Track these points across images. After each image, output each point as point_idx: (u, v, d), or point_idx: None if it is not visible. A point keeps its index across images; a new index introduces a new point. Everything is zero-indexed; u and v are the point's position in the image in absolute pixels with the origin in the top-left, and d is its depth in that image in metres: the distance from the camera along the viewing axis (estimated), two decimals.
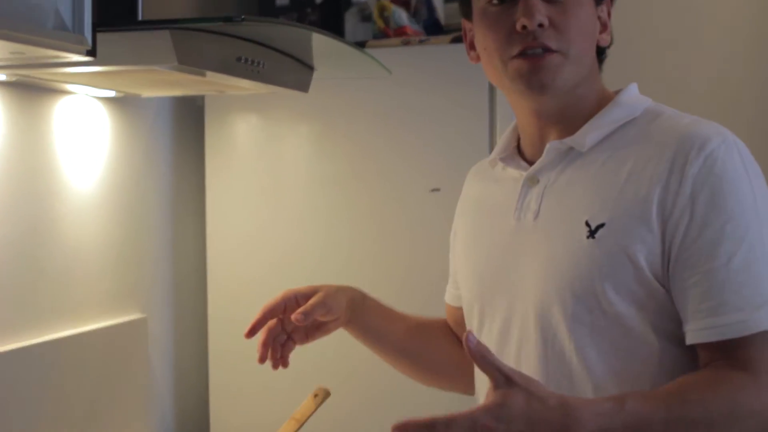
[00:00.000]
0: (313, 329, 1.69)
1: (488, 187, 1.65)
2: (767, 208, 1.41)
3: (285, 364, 1.67)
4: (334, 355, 2.21)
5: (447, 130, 2.28)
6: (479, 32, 1.53)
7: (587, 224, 1.43)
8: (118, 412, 2.21)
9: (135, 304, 2.33)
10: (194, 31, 1.68)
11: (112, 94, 2.13)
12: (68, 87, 2.02)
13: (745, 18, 2.71)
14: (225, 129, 2.47)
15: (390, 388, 2.16)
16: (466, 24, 1.60)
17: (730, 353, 1.36)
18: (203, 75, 1.78)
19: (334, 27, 2.42)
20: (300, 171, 2.43)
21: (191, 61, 1.67)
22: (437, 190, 2.27)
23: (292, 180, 2.43)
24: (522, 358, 1.50)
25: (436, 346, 1.79)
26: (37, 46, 1.34)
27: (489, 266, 1.58)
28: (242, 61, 1.81)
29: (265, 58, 1.88)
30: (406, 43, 2.33)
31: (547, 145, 1.52)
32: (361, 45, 2.27)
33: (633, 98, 1.53)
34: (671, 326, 1.41)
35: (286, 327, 1.66)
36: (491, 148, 2.19)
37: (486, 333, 1.57)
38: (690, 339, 1.38)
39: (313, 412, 1.79)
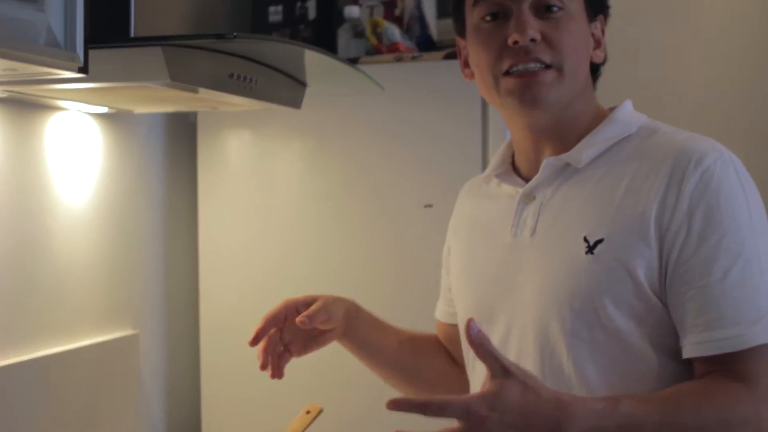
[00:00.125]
0: (310, 340, 1.69)
1: (483, 204, 1.65)
2: (763, 224, 1.42)
3: (280, 375, 1.67)
4: (327, 369, 2.20)
5: (440, 146, 2.28)
6: (473, 49, 1.54)
7: (585, 240, 1.44)
8: (109, 429, 2.20)
9: (127, 320, 2.33)
10: (187, 48, 1.68)
11: (104, 110, 2.13)
12: (61, 103, 2.01)
13: (737, 36, 2.72)
14: (218, 145, 2.47)
15: (382, 403, 2.15)
16: (460, 42, 1.60)
17: (726, 367, 1.36)
18: (196, 92, 1.78)
19: (327, 43, 2.42)
20: (292, 187, 2.43)
21: (184, 78, 1.67)
22: (430, 206, 2.27)
23: (284, 196, 2.43)
24: None
25: (428, 361, 1.79)
26: (29, 63, 1.34)
27: (485, 283, 1.58)
28: (235, 77, 1.81)
29: (257, 75, 1.88)
30: (399, 60, 2.33)
31: (544, 162, 1.52)
32: (353, 61, 2.27)
33: (628, 115, 1.54)
34: (669, 341, 1.41)
35: (283, 338, 1.67)
36: (484, 164, 2.20)
37: None
38: (687, 353, 1.39)
39: (305, 429, 1.79)
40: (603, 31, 1.56)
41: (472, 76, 1.58)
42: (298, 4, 2.47)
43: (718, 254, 1.37)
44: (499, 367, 1.29)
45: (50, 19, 1.31)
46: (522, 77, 1.47)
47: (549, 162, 1.52)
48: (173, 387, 2.53)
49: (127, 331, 2.30)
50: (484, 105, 2.22)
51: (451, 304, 1.72)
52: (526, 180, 1.57)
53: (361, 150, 2.36)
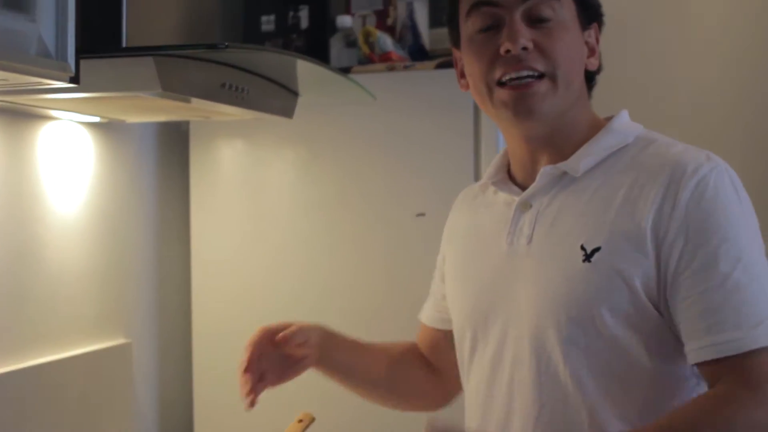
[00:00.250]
0: (286, 368, 1.68)
1: (478, 212, 1.65)
2: (757, 233, 1.44)
3: (253, 404, 1.62)
4: (319, 377, 2.19)
5: (432, 155, 2.28)
6: (467, 59, 1.55)
7: (582, 248, 1.44)
8: None
9: (119, 329, 2.32)
10: (178, 58, 1.68)
11: (96, 119, 2.13)
12: (53, 113, 2.01)
13: (732, 45, 2.72)
14: (210, 154, 2.47)
15: (374, 412, 2.15)
16: (456, 53, 1.61)
17: (729, 370, 1.37)
18: (188, 101, 1.78)
19: (319, 53, 2.42)
20: (285, 196, 2.43)
21: (175, 88, 1.67)
22: (422, 214, 2.27)
23: (276, 205, 2.43)
24: (515, 382, 1.50)
25: (403, 373, 1.79)
26: (20, 73, 1.34)
27: (481, 290, 1.58)
28: (227, 87, 1.81)
29: (249, 85, 1.88)
30: (391, 69, 2.33)
31: (541, 170, 1.53)
32: (346, 71, 2.27)
33: (625, 125, 1.55)
34: (665, 348, 1.42)
35: (259, 366, 1.64)
36: (476, 173, 2.20)
37: (478, 357, 1.57)
38: (691, 359, 1.40)
39: None
40: (597, 39, 1.56)
41: (467, 86, 1.58)
42: (291, 14, 2.47)
43: (718, 260, 1.38)
44: None
45: (41, 29, 1.31)
46: (515, 89, 1.47)
47: (546, 170, 1.52)
48: (166, 395, 2.52)
49: (119, 340, 2.30)
50: (477, 114, 2.23)
51: (442, 310, 1.72)
52: (522, 188, 1.57)
53: (354, 159, 2.36)
